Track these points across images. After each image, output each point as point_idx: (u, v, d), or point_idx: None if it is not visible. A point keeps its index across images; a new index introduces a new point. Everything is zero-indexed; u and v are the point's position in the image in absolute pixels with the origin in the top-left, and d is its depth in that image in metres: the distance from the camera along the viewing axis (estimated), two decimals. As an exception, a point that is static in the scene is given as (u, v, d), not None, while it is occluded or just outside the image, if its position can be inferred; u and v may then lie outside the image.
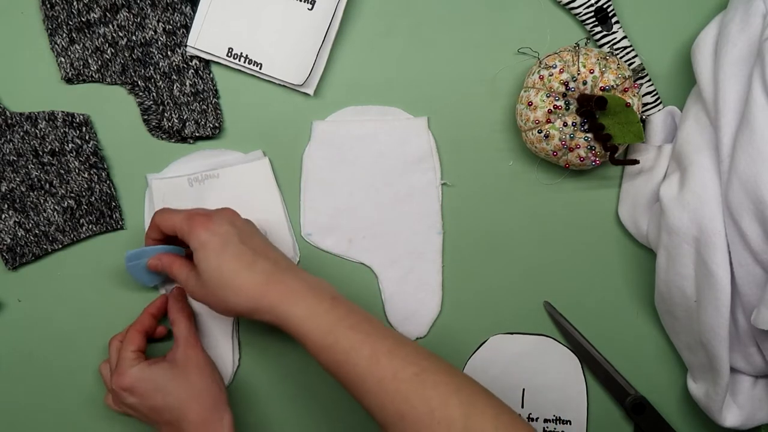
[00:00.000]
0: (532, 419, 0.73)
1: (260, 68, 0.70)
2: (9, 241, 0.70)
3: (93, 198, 0.71)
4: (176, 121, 0.71)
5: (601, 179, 0.73)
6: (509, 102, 0.72)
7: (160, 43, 0.70)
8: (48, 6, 0.69)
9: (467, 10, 0.72)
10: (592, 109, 0.64)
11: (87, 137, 0.70)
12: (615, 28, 0.70)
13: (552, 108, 0.65)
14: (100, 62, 0.70)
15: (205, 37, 0.70)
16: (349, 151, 0.72)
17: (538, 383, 0.73)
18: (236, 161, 0.72)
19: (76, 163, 0.70)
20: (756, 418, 0.67)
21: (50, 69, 0.70)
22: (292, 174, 0.73)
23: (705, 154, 0.63)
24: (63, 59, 0.70)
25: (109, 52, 0.70)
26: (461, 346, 0.73)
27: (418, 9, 0.72)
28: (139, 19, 0.70)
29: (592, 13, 0.70)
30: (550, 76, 0.65)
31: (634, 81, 0.68)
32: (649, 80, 0.71)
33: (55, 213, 0.70)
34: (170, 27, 0.70)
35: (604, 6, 0.70)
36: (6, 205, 0.70)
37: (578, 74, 0.65)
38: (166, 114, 0.71)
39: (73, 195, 0.70)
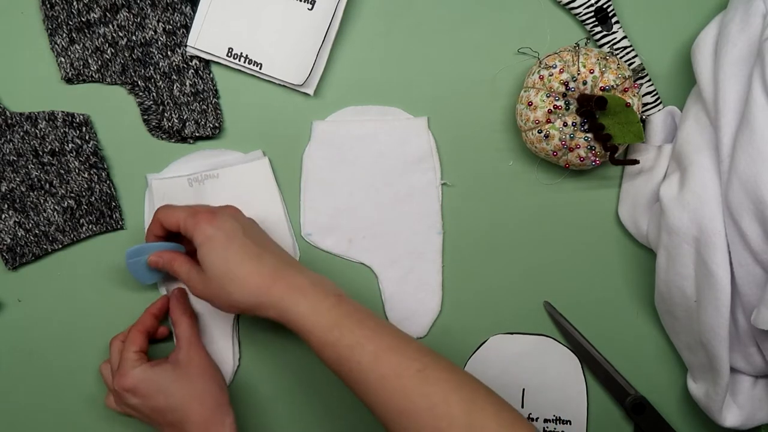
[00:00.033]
0: (532, 419, 0.73)
1: (260, 68, 0.70)
2: (9, 241, 0.70)
3: (93, 198, 0.71)
4: (176, 121, 0.71)
5: (601, 179, 0.73)
6: (509, 102, 0.72)
7: (160, 43, 0.70)
8: (48, 6, 0.69)
9: (467, 10, 0.72)
10: (592, 109, 0.64)
11: (87, 137, 0.70)
12: (615, 28, 0.70)
13: (552, 108, 0.65)
14: (100, 62, 0.70)
15: (205, 37, 0.70)
16: (349, 151, 0.72)
17: (538, 383, 0.73)
18: (236, 161, 0.72)
19: (76, 163, 0.70)
20: (756, 418, 0.67)
21: (50, 69, 0.70)
22: (292, 174, 0.73)
23: (705, 154, 0.63)
24: (63, 59, 0.70)
25: (109, 52, 0.70)
26: (461, 346, 0.73)
27: (418, 9, 0.72)
28: (139, 19, 0.70)
29: (592, 13, 0.70)
30: (550, 76, 0.65)
31: (634, 81, 0.68)
32: (649, 80, 0.71)
33: (55, 213, 0.70)
34: (170, 27, 0.70)
35: (604, 6, 0.70)
36: (6, 205, 0.70)
37: (578, 74, 0.65)
38: (166, 114, 0.71)
39: (73, 195, 0.70)
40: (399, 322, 0.73)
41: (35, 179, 0.70)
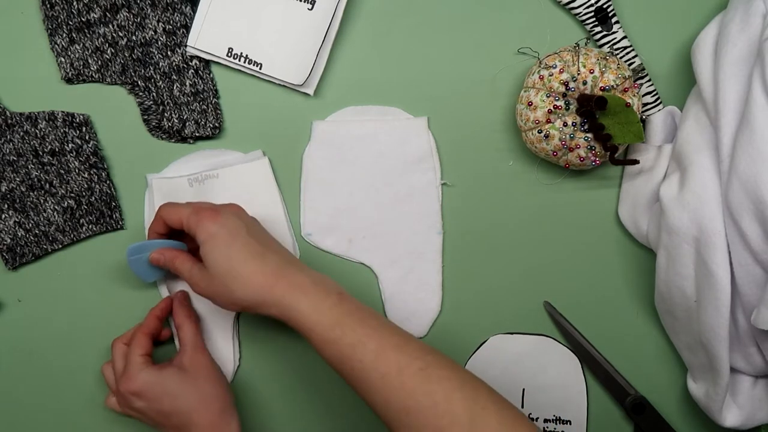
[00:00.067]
0: (532, 419, 0.73)
1: (260, 68, 0.70)
2: (9, 241, 0.70)
3: (93, 198, 0.71)
4: (176, 121, 0.71)
5: (601, 179, 0.73)
6: (509, 102, 0.72)
7: (160, 43, 0.70)
8: (48, 6, 0.69)
9: (467, 10, 0.72)
10: (592, 109, 0.64)
11: (87, 137, 0.70)
12: (615, 28, 0.70)
13: (552, 108, 0.65)
14: (100, 62, 0.70)
15: (205, 37, 0.70)
16: (349, 151, 0.72)
17: (538, 383, 0.73)
18: (236, 161, 0.72)
19: (76, 163, 0.70)
20: (756, 418, 0.67)
21: (50, 69, 0.70)
22: (292, 174, 0.73)
23: (705, 154, 0.63)
24: (63, 59, 0.70)
25: (109, 52, 0.70)
26: (461, 346, 0.73)
27: (418, 9, 0.72)
28: (139, 19, 0.70)
29: (592, 13, 0.70)
30: (550, 76, 0.65)
31: (634, 81, 0.68)
32: (649, 80, 0.71)
33: (55, 213, 0.70)
34: (170, 27, 0.70)
35: (604, 6, 0.70)
36: (6, 205, 0.70)
37: (578, 74, 0.65)
38: (166, 114, 0.71)
39: (73, 195, 0.70)
40: (399, 322, 0.72)
41: (35, 179, 0.70)
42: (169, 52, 0.70)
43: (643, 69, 0.71)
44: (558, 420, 0.73)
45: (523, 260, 0.73)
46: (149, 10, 0.70)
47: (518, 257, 0.73)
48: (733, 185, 0.61)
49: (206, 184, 0.71)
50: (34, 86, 0.71)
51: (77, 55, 0.70)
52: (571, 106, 0.66)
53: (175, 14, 0.70)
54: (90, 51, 0.70)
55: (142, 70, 0.70)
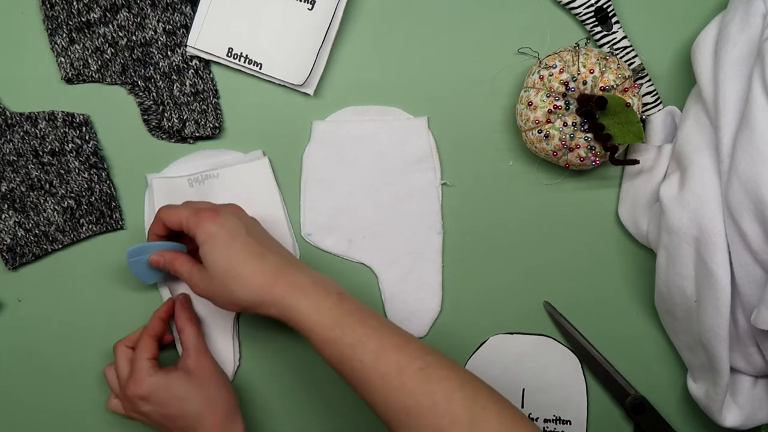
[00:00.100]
0: (532, 419, 0.73)
1: (260, 68, 0.70)
2: (9, 241, 0.70)
3: (93, 198, 0.71)
4: (176, 121, 0.71)
5: (601, 179, 0.73)
6: (509, 102, 0.72)
7: (160, 43, 0.70)
8: (48, 6, 0.69)
9: (467, 10, 0.72)
10: (592, 109, 0.64)
11: (87, 137, 0.70)
12: (615, 28, 0.70)
13: (552, 108, 0.65)
14: (100, 62, 0.70)
15: (205, 37, 0.70)
16: (349, 151, 0.72)
17: (538, 383, 0.73)
18: (236, 161, 0.72)
19: (76, 163, 0.70)
20: (756, 418, 0.67)
21: (50, 69, 0.70)
22: (292, 174, 0.73)
23: (705, 154, 0.63)
24: (63, 59, 0.70)
25: (109, 52, 0.70)
26: (461, 346, 0.73)
27: (418, 9, 0.72)
28: (139, 19, 0.70)
29: (592, 13, 0.70)
30: (550, 76, 0.65)
31: (634, 81, 0.68)
32: (649, 80, 0.71)
33: (55, 213, 0.70)
34: (170, 27, 0.70)
35: (604, 6, 0.70)
36: (6, 205, 0.70)
37: (578, 74, 0.65)
38: (166, 114, 0.71)
39: (73, 195, 0.70)
40: (399, 322, 0.72)
41: (35, 179, 0.70)
42: (169, 52, 0.70)
43: (643, 69, 0.71)
44: (558, 420, 0.73)
45: (523, 260, 0.73)
46: (149, 10, 0.70)
47: (518, 257, 0.73)
48: (733, 185, 0.61)
49: (206, 184, 0.71)
50: (34, 86, 0.71)
51: (77, 55, 0.70)
52: (571, 106, 0.66)
53: (175, 14, 0.70)
54: (90, 51, 0.70)
55: (142, 70, 0.70)
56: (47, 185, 0.70)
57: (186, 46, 0.70)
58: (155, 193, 0.71)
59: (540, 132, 0.66)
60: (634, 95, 0.66)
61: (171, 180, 0.71)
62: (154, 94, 0.71)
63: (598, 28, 0.70)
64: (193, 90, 0.71)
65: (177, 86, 0.71)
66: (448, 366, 0.59)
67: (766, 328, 0.59)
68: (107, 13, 0.69)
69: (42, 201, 0.70)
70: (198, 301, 0.71)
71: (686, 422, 0.74)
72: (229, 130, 0.72)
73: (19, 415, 0.72)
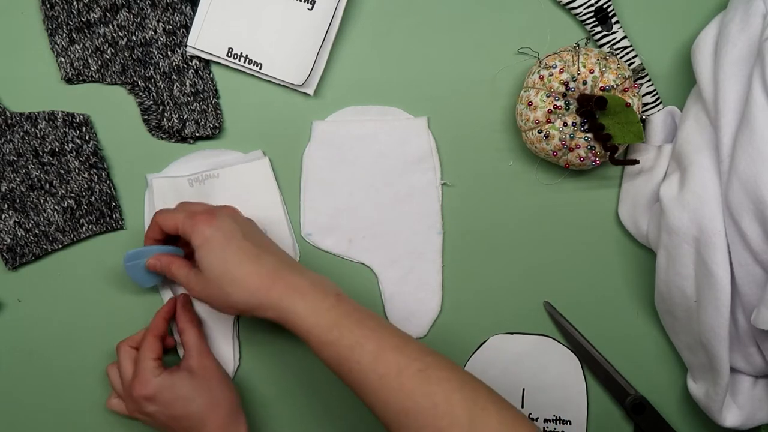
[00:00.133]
0: (532, 419, 0.73)
1: (260, 68, 0.70)
2: (9, 241, 0.70)
3: (93, 198, 0.71)
4: (176, 121, 0.71)
5: (601, 179, 0.73)
6: (509, 102, 0.72)
7: (160, 43, 0.70)
8: (48, 6, 0.69)
9: (467, 10, 0.72)
10: (592, 109, 0.64)
11: (87, 137, 0.70)
12: (615, 28, 0.70)
13: (552, 108, 0.65)
14: (100, 62, 0.70)
15: (205, 37, 0.70)
16: (349, 151, 0.72)
17: (538, 383, 0.73)
18: (236, 161, 0.72)
19: (76, 163, 0.70)
20: (756, 418, 0.67)
21: (50, 69, 0.70)
22: (292, 174, 0.73)
23: (705, 154, 0.63)
24: (63, 59, 0.70)
25: (109, 52, 0.70)
26: (461, 346, 0.73)
27: (418, 9, 0.72)
28: (139, 19, 0.70)
29: (592, 13, 0.70)
30: (550, 76, 0.65)
31: (634, 81, 0.68)
32: (649, 80, 0.71)
33: (55, 213, 0.70)
34: (170, 27, 0.70)
35: (604, 6, 0.70)
36: (6, 205, 0.70)
37: (578, 74, 0.65)
38: (166, 114, 0.71)
39: (73, 195, 0.70)
40: (399, 322, 0.73)
41: (35, 179, 0.70)
42: (169, 52, 0.70)
43: (643, 69, 0.71)
44: (558, 420, 0.73)
45: (523, 260, 0.73)
46: (149, 10, 0.70)
47: (518, 257, 0.73)
48: (733, 185, 0.61)
49: (206, 184, 0.71)
50: (34, 86, 0.71)
51: (77, 55, 0.70)
52: (571, 106, 0.66)
53: (175, 14, 0.70)
54: (90, 51, 0.70)
55: (142, 70, 0.70)
56: (47, 185, 0.70)
57: (186, 46, 0.70)
58: (155, 193, 0.71)
59: (540, 132, 0.66)
60: (634, 95, 0.66)
61: (171, 180, 0.71)
62: (154, 94, 0.71)
63: (598, 28, 0.70)
64: (193, 90, 0.71)
65: (177, 86, 0.71)
66: (448, 367, 0.59)
67: (766, 328, 0.59)
68: (107, 13, 0.69)
69: (42, 201, 0.70)
70: (198, 302, 0.71)
71: (686, 422, 0.74)
72: (229, 130, 0.72)
73: (19, 415, 0.72)
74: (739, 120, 0.61)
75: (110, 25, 0.70)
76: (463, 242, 0.73)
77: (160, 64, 0.70)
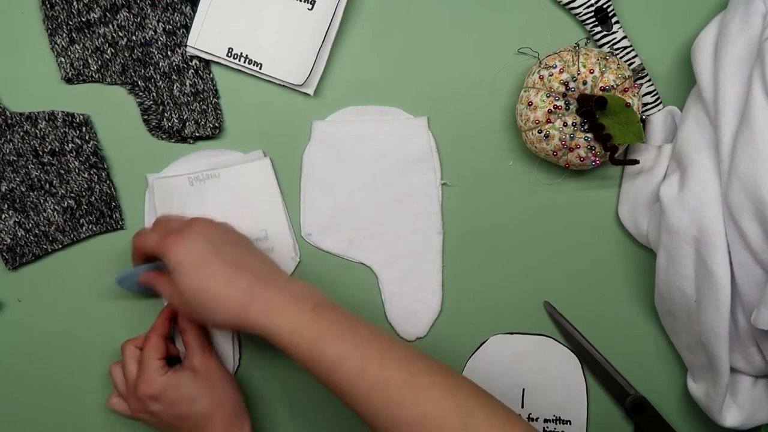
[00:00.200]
0: (532, 419, 0.73)
1: (260, 68, 0.70)
2: (9, 241, 0.70)
3: (93, 198, 0.71)
4: (176, 121, 0.71)
5: (601, 179, 0.73)
6: (509, 102, 0.72)
7: (160, 43, 0.70)
8: (48, 6, 0.69)
9: (467, 10, 0.72)
10: (592, 109, 0.64)
11: (87, 137, 0.70)
12: (615, 28, 0.70)
13: (552, 108, 0.65)
14: (100, 62, 0.70)
15: (205, 37, 0.70)
16: (349, 151, 0.72)
17: (538, 383, 0.73)
18: (236, 161, 0.72)
19: (76, 163, 0.70)
20: (756, 418, 0.67)
21: (50, 69, 0.70)
22: (292, 174, 0.73)
23: (705, 154, 0.63)
24: (63, 59, 0.70)
25: (109, 52, 0.70)
26: (461, 346, 0.73)
27: (418, 9, 0.72)
28: (139, 19, 0.70)
29: (592, 13, 0.70)
30: (550, 76, 0.65)
31: (634, 81, 0.68)
32: (649, 80, 0.71)
33: (55, 213, 0.70)
34: (170, 27, 0.70)
35: (604, 6, 0.70)
36: (6, 205, 0.70)
37: (578, 74, 0.65)
38: (166, 114, 0.71)
39: (73, 195, 0.70)
40: (399, 322, 0.73)
41: (35, 179, 0.70)
42: (169, 52, 0.70)
43: (643, 69, 0.71)
44: (558, 420, 0.73)
45: (523, 260, 0.73)
46: (149, 10, 0.70)
47: (518, 257, 0.73)
48: (733, 185, 0.61)
49: (207, 183, 0.71)
50: (34, 86, 0.71)
51: (77, 55, 0.70)
52: (571, 106, 0.66)
53: (175, 14, 0.70)
54: (90, 51, 0.70)
55: (142, 70, 0.70)
56: (47, 185, 0.70)
57: (186, 46, 0.70)
58: (155, 193, 0.71)
59: (540, 132, 0.66)
60: (634, 95, 0.66)
61: (171, 180, 0.71)
62: (154, 94, 0.71)
63: (598, 28, 0.70)
64: (193, 90, 0.71)
65: (177, 86, 0.71)
66: (437, 372, 0.58)
67: (766, 328, 0.59)
68: (107, 13, 0.69)
69: (42, 201, 0.70)
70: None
71: (686, 422, 0.74)
72: (229, 130, 0.72)
73: (19, 415, 0.72)
74: (739, 120, 0.61)
75: (110, 25, 0.70)
76: (463, 242, 0.73)
77: (160, 64, 0.70)
